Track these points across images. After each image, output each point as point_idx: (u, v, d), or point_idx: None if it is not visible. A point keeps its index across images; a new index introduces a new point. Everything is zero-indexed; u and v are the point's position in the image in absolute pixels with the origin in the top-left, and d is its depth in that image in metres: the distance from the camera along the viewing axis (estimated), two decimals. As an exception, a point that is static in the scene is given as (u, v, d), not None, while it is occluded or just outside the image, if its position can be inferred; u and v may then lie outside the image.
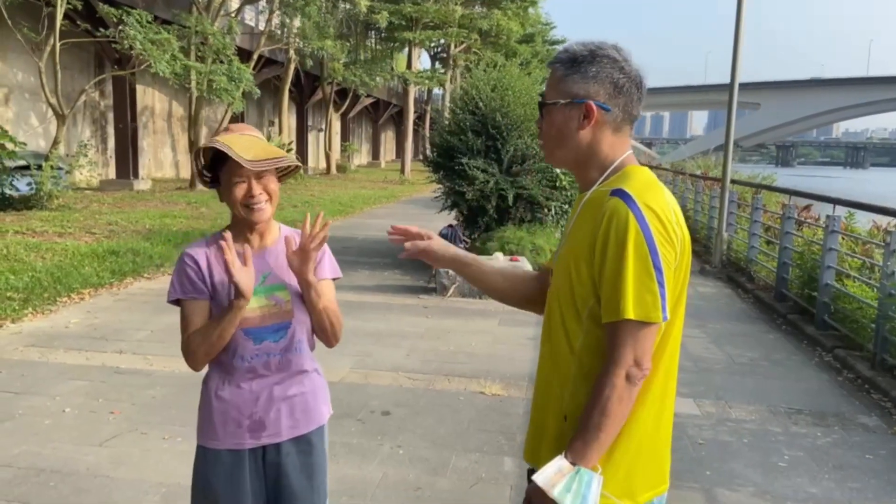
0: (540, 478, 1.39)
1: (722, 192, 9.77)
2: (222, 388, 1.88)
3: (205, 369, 1.92)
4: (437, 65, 36.17)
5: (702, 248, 11.78)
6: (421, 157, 41.94)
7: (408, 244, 1.74)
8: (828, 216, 6.54)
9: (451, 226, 7.84)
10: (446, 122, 8.98)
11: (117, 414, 4.17)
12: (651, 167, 22.25)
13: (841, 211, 7.05)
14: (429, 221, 13.62)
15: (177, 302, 1.86)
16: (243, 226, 1.88)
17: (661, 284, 1.35)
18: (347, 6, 23.17)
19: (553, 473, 1.39)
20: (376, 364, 5.30)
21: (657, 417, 1.47)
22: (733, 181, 10.26)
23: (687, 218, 13.84)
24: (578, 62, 1.46)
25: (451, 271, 7.49)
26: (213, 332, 1.78)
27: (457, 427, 4.16)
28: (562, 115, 1.48)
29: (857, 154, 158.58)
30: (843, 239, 6.61)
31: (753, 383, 5.23)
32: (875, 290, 5.75)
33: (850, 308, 6.04)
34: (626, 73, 1.45)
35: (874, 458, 3.93)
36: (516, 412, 4.41)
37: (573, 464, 1.39)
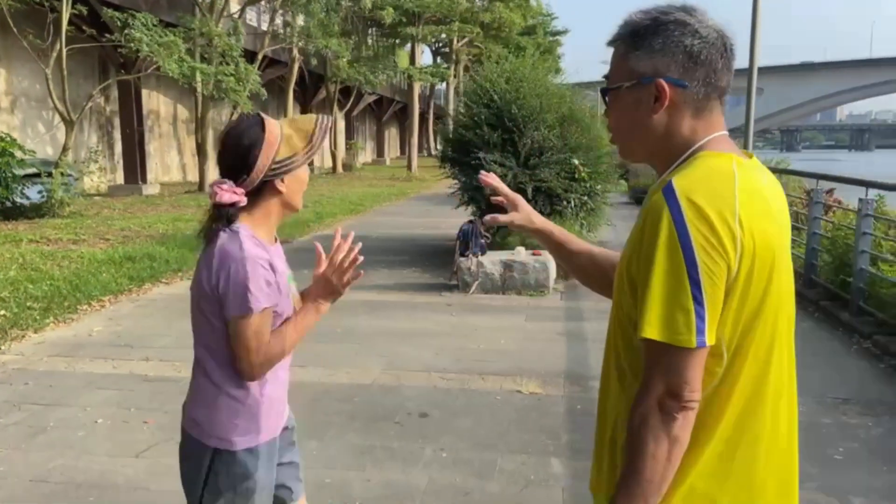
0: None
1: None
2: (268, 385, 1.83)
3: (217, 373, 1.77)
4: (439, 60, 36.06)
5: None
6: (426, 153, 41.79)
7: (487, 217, 1.67)
8: (860, 199, 6.39)
9: (471, 221, 7.72)
10: (462, 117, 8.84)
11: (151, 423, 4.07)
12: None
13: (871, 194, 6.86)
14: (444, 218, 13.51)
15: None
16: (274, 221, 1.82)
17: (698, 301, 1.10)
18: (349, 3, 23.02)
19: None
20: (407, 364, 5.19)
21: (717, 478, 1.20)
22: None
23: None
24: (641, 35, 1.22)
25: (472, 267, 7.42)
26: (296, 337, 1.76)
27: (497, 428, 4.05)
28: (629, 100, 1.25)
29: (861, 136, 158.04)
30: (875, 222, 6.46)
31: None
32: (914, 274, 5.61)
33: (888, 293, 5.90)
34: (704, 37, 1.20)
35: (932, 448, 3.81)
36: (557, 411, 4.30)
37: None
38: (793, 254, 8.50)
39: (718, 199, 1.13)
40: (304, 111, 30.26)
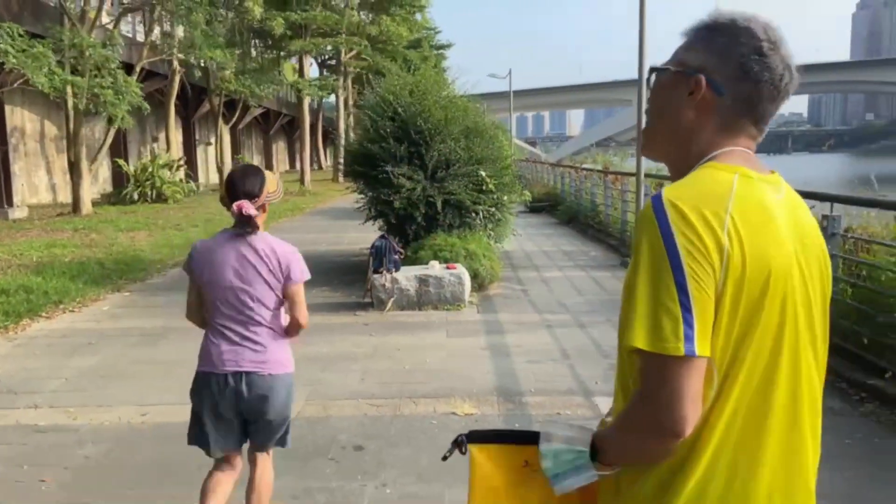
0: (549, 428, 1.26)
1: (637, 185, 9.97)
2: None
3: (277, 327, 2.80)
4: (326, 72, 35.53)
5: (618, 241, 12.03)
6: (316, 166, 40.93)
7: None
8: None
9: (384, 237, 7.50)
10: (367, 130, 8.62)
11: (49, 482, 3.60)
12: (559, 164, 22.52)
13: None
14: (345, 233, 13.19)
15: None
16: None
17: (685, 307, 1.05)
18: (231, 15, 22.17)
19: (562, 432, 1.24)
20: (332, 392, 4.92)
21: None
22: (646, 175, 10.50)
23: (597, 213, 14.11)
24: (711, 29, 1.21)
25: (386, 283, 7.20)
26: None
27: (439, 455, 3.86)
28: (667, 84, 1.24)
29: None
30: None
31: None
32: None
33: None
34: (765, 57, 1.16)
35: (853, 443, 3.98)
36: (496, 431, 4.17)
37: (593, 446, 1.19)
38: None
39: (706, 206, 1.09)
40: (186, 125, 28.93)
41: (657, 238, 1.08)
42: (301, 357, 5.68)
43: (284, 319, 2.80)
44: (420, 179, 8.26)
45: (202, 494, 2.76)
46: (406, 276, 7.22)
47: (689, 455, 1.10)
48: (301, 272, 2.73)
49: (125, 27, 21.11)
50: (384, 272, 7.17)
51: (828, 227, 5.51)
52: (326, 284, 8.63)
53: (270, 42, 27.93)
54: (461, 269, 7.40)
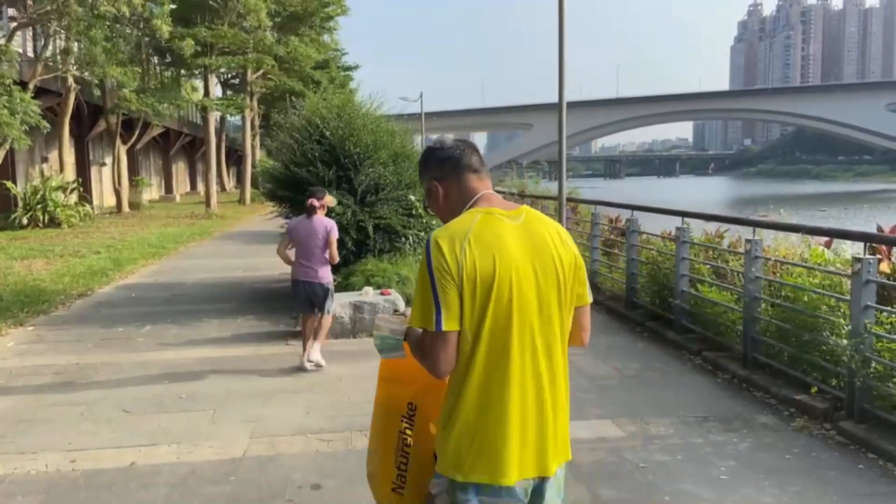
0: (379, 321, 2.11)
1: (560, 209, 10.22)
2: None
3: (325, 259, 6.13)
4: (229, 91, 34.62)
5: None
6: (219, 188, 39.59)
7: None
8: (677, 228, 7.03)
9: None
10: (295, 153, 8.41)
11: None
12: None
13: (676, 221, 7.46)
14: (262, 258, 12.76)
15: None
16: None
17: (436, 303, 1.79)
18: (136, 32, 21.21)
19: (387, 325, 2.08)
20: (278, 428, 4.72)
21: (478, 411, 1.84)
22: (569, 199, 10.79)
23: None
24: (421, 161, 2.10)
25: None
26: None
27: (402, 490, 3.78)
28: (427, 191, 2.09)
29: (613, 166, 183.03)
30: (691, 248, 7.12)
31: (651, 395, 5.41)
32: (733, 293, 6.26)
33: (711, 312, 6.51)
34: (444, 149, 2.05)
35: (794, 458, 4.19)
36: (456, 462, 4.12)
37: (407, 337, 2.04)
38: (610, 278, 9.17)
39: (453, 241, 1.84)
40: (79, 145, 27.33)
41: (424, 262, 1.84)
42: (236, 392, 5.48)
43: (328, 256, 5.99)
44: (350, 204, 8.15)
45: (303, 329, 6.16)
46: (340, 304, 7.06)
47: (464, 380, 1.85)
48: (334, 232, 5.94)
49: (15, 43, 19.77)
50: (317, 300, 6.99)
51: (751, 251, 5.84)
52: (250, 312, 8.32)
53: (170, 59, 26.93)
54: (395, 295, 7.32)
